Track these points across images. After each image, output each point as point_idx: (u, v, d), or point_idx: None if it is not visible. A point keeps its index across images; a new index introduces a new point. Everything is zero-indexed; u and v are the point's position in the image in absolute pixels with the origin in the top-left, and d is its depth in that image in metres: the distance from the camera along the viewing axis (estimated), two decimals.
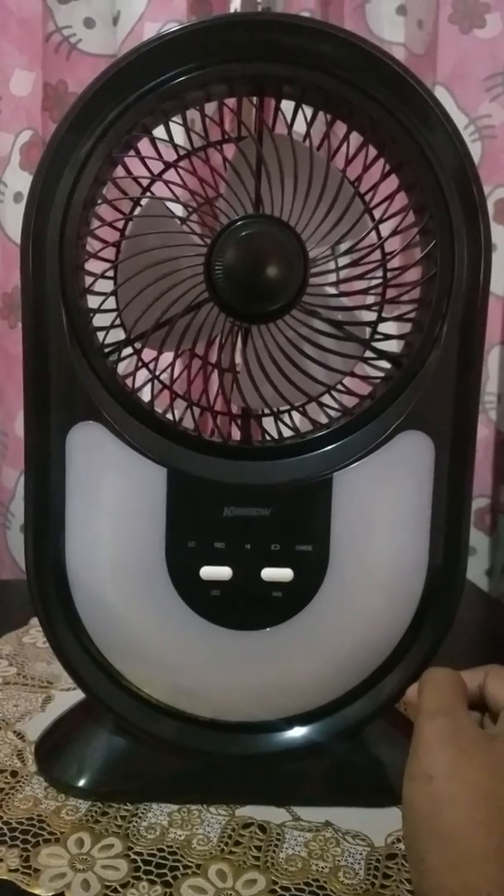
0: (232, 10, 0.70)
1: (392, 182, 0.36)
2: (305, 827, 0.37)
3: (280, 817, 0.38)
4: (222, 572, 0.36)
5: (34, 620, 0.58)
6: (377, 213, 0.36)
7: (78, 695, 0.41)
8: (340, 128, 0.37)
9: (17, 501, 0.73)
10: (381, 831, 0.36)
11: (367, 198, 0.36)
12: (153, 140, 0.35)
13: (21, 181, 0.70)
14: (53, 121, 0.71)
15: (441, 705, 0.29)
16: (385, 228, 0.36)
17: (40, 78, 0.69)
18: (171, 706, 0.39)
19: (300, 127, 0.36)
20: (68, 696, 0.47)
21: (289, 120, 0.36)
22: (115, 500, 0.36)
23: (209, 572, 0.36)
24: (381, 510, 0.36)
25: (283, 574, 0.36)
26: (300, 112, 0.36)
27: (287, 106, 0.37)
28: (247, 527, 0.36)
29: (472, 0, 0.72)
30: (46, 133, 0.70)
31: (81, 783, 0.39)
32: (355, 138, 0.36)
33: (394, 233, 0.36)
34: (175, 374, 0.38)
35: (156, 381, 0.37)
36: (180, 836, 0.36)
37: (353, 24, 0.73)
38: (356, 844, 0.36)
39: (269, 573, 0.36)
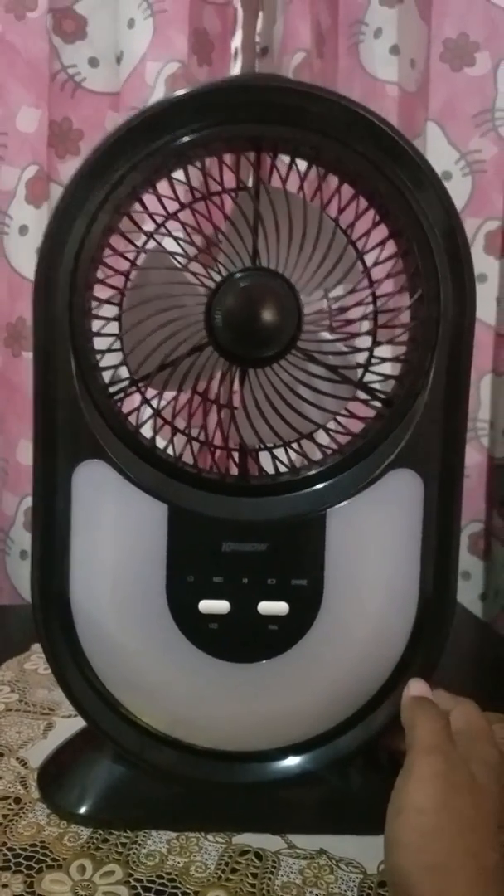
0: (232, 50, 0.72)
1: (382, 231, 0.38)
2: (300, 854, 0.38)
3: (276, 845, 0.39)
4: (220, 606, 0.37)
5: (35, 646, 0.59)
6: (368, 261, 0.38)
7: (79, 722, 0.41)
8: (333, 179, 0.39)
9: (16, 528, 0.74)
10: (374, 858, 0.37)
11: (358, 245, 0.38)
12: (158, 195, 0.37)
13: (26, 214, 0.72)
14: (58, 157, 0.73)
15: (438, 742, 0.30)
16: (376, 275, 0.38)
17: (46, 115, 0.71)
18: (170, 735, 0.40)
19: (294, 177, 0.38)
20: (70, 723, 0.48)
21: (283, 174, 0.38)
22: (117, 535, 0.38)
23: (208, 606, 0.37)
24: (373, 545, 0.38)
25: (279, 608, 0.37)
26: (294, 166, 0.38)
27: (282, 157, 0.38)
28: (244, 562, 0.37)
29: (463, 39, 0.75)
30: (51, 168, 0.72)
31: (83, 810, 0.40)
32: (346, 189, 0.38)
33: (385, 277, 0.38)
34: (175, 411, 0.40)
35: (157, 418, 0.38)
36: (179, 863, 0.37)
37: (347, 63, 0.75)
38: (349, 872, 0.37)
39: (266, 607, 0.37)
